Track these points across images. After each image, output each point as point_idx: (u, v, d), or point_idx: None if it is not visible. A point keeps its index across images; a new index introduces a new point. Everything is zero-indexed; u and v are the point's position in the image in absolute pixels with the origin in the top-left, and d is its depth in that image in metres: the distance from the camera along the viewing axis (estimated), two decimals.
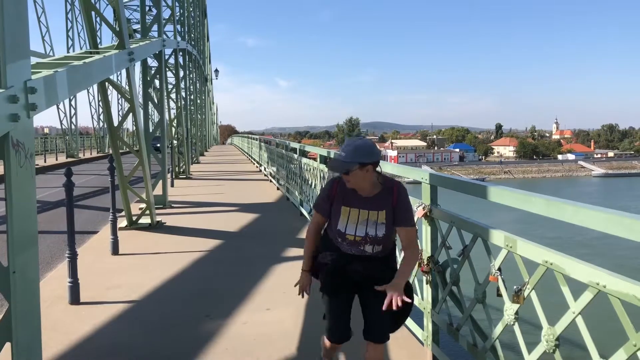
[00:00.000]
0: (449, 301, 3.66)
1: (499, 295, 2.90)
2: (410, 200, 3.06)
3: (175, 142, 18.69)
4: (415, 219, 4.02)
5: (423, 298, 3.99)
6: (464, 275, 3.42)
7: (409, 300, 2.78)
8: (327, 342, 3.19)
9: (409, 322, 4.42)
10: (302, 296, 3.22)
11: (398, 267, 3.05)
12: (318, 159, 8.91)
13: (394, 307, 2.68)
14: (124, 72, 9.11)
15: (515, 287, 2.70)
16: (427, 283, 3.90)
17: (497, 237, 2.93)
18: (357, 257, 2.98)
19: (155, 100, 13.68)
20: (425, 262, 3.85)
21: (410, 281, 4.25)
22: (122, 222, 9.25)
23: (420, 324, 4.10)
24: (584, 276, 2.25)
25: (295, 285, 3.23)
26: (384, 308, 2.70)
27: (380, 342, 3.03)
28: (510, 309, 2.76)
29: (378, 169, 2.92)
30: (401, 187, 2.98)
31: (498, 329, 2.91)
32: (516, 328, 2.78)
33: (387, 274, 2.90)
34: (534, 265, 2.59)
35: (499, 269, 2.91)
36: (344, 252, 3.01)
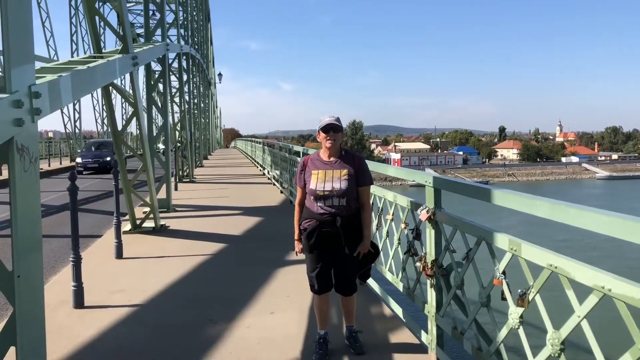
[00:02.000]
0: (453, 305, 3.65)
1: (504, 298, 2.89)
2: (367, 165, 4.02)
3: (179, 145, 18.71)
4: (419, 222, 4.06)
5: (427, 302, 3.98)
6: (468, 278, 3.41)
7: (372, 250, 3.96)
8: (315, 303, 4.06)
9: (413, 325, 4.42)
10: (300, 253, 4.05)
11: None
12: None
13: (360, 256, 3.90)
14: (127, 76, 9.14)
15: (519, 290, 2.69)
16: (431, 287, 3.90)
17: (502, 240, 2.92)
18: (328, 222, 3.79)
19: (159, 104, 13.70)
20: (430, 266, 3.85)
21: (414, 285, 4.28)
22: (126, 226, 9.26)
23: (425, 328, 4.09)
24: (588, 280, 2.24)
25: (297, 253, 4.08)
26: (354, 254, 3.85)
27: (349, 294, 3.98)
28: (514, 312, 2.75)
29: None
30: (361, 157, 4.01)
31: (503, 332, 2.90)
32: (521, 332, 2.76)
33: (350, 234, 3.80)
34: (539, 269, 2.58)
35: (504, 273, 2.90)
36: (317, 215, 3.83)
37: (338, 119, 3.90)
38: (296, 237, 4.04)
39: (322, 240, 3.83)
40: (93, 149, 26.02)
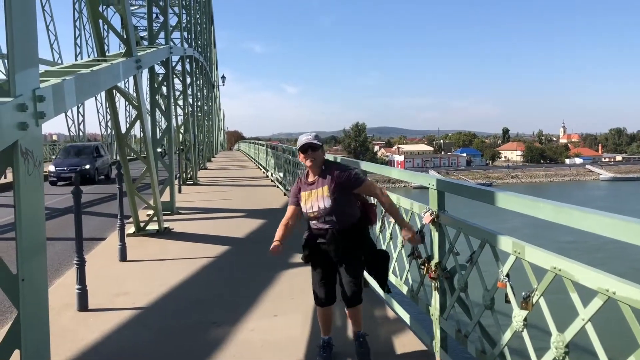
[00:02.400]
0: (457, 307, 3.64)
1: (508, 301, 2.88)
2: (348, 167, 3.95)
3: (181, 148, 18.75)
4: (423, 224, 4.03)
5: (431, 304, 3.97)
6: (472, 281, 3.40)
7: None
8: (318, 312, 4.01)
9: (417, 328, 4.41)
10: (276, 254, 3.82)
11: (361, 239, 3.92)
12: None
13: (411, 243, 3.98)
14: (131, 79, 9.17)
15: (523, 293, 2.68)
16: (435, 289, 3.89)
17: (505, 243, 2.91)
18: (321, 235, 3.79)
19: (163, 107, 13.77)
20: (433, 269, 3.84)
21: (418, 287, 4.27)
22: (130, 229, 9.28)
23: (429, 331, 4.08)
24: (593, 282, 2.23)
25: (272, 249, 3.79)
26: (407, 239, 3.94)
27: (352, 306, 3.89)
28: (518, 315, 2.74)
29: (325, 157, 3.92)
30: (338, 165, 3.92)
31: (507, 335, 2.89)
32: (525, 335, 2.75)
33: (347, 245, 3.75)
34: (543, 272, 2.57)
35: (507, 275, 2.89)
36: (314, 231, 3.84)
37: (316, 137, 3.89)
38: (276, 237, 3.87)
39: (322, 252, 3.83)
40: (70, 155, 22.01)
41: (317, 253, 3.85)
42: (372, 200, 4.24)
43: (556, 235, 30.55)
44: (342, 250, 3.77)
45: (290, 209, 3.99)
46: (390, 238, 4.96)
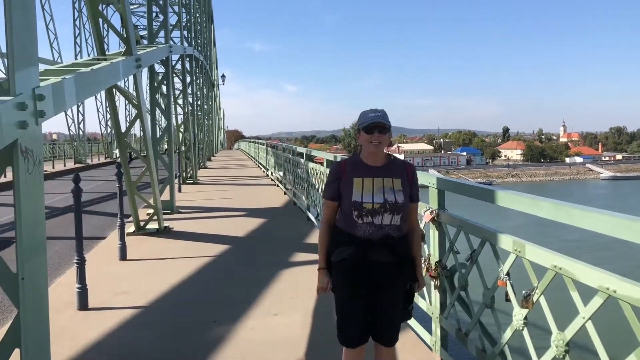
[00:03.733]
0: (457, 306, 3.64)
1: (508, 300, 2.89)
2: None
3: (182, 147, 18.75)
4: (423, 223, 4.03)
5: (431, 303, 3.97)
6: (472, 280, 3.40)
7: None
8: (346, 353, 3.02)
9: (418, 327, 4.40)
10: (323, 293, 3.06)
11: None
12: (325, 164, 8.91)
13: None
14: (131, 78, 9.16)
15: (524, 291, 2.68)
16: (435, 288, 3.89)
17: (506, 241, 2.91)
18: (374, 243, 2.86)
19: (163, 106, 13.74)
20: (434, 267, 3.84)
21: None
22: (130, 228, 9.28)
23: (429, 329, 4.08)
24: (593, 281, 2.23)
25: (318, 291, 3.05)
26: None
27: (392, 345, 3.02)
28: (519, 314, 2.74)
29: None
30: (412, 166, 3.09)
31: (507, 334, 2.89)
32: (525, 333, 2.76)
33: (405, 260, 2.95)
34: (543, 270, 2.57)
35: (508, 274, 2.89)
36: (361, 239, 2.87)
37: (384, 115, 2.95)
38: (322, 264, 3.04)
39: (367, 274, 2.90)
40: None
41: (361, 274, 2.91)
42: None
43: (562, 233, 30.58)
44: (403, 266, 2.96)
45: (330, 206, 3.06)
46: None
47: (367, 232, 2.87)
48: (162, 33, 12.59)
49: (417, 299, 4.32)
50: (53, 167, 26.99)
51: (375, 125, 2.88)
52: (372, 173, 2.92)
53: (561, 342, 2.42)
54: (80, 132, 34.00)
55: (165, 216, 10.39)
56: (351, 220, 2.89)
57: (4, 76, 3.14)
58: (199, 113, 27.42)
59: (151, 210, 9.64)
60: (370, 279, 2.90)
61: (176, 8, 17.96)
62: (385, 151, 3.00)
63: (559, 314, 2.58)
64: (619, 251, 27.43)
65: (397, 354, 4.08)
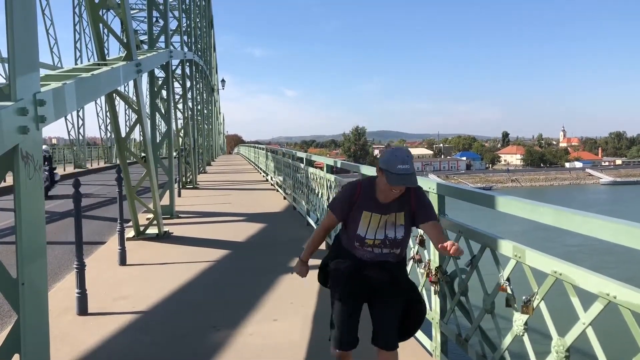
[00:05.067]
0: (457, 311, 3.64)
1: (508, 305, 2.88)
2: (427, 196, 3.19)
3: (182, 152, 18.77)
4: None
5: (431, 308, 3.97)
6: (472, 285, 3.40)
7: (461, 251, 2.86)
8: (336, 353, 3.17)
9: (417, 332, 4.39)
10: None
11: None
12: (324, 169, 8.91)
13: (451, 252, 2.76)
14: (131, 82, 9.18)
15: (524, 297, 2.68)
16: (435, 293, 3.89)
17: (506, 247, 2.91)
18: (370, 264, 3.07)
19: (163, 111, 13.76)
20: (434, 272, 3.84)
21: (418, 288, 4.25)
22: (130, 233, 9.27)
23: (429, 335, 4.08)
24: (593, 287, 2.23)
25: (292, 273, 3.38)
26: (447, 248, 2.75)
27: (391, 349, 3.09)
28: (519, 319, 2.74)
29: None
30: (419, 190, 3.10)
31: (507, 339, 2.89)
32: (525, 339, 2.75)
33: (401, 279, 3.13)
34: (543, 276, 2.57)
35: (508, 279, 2.90)
36: (359, 258, 3.08)
37: (412, 164, 2.89)
38: (305, 258, 3.37)
39: (362, 287, 3.11)
40: None
41: (356, 287, 3.12)
42: None
43: (565, 238, 30.59)
44: (399, 282, 3.14)
45: (332, 219, 3.22)
46: None
47: (365, 256, 3.08)
48: (162, 38, 12.60)
49: None
50: None
51: (402, 181, 2.85)
52: (380, 210, 3.02)
53: (561, 347, 2.42)
54: (80, 137, 34.00)
55: (165, 221, 10.38)
56: (352, 243, 3.10)
57: (4, 81, 3.14)
58: (199, 118, 27.46)
59: (151, 215, 9.64)
60: (364, 290, 3.10)
61: (176, 13, 18.02)
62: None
63: (559, 319, 2.58)
64: (622, 256, 27.36)
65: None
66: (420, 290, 4.24)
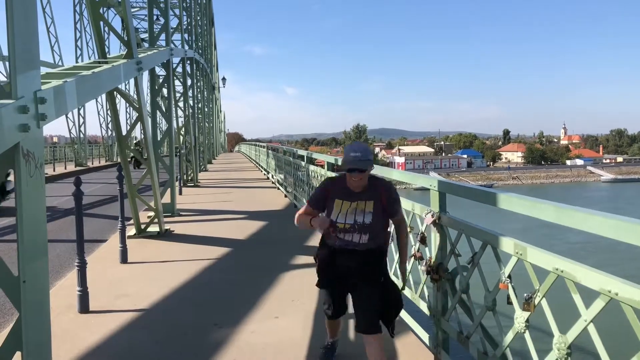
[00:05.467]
0: (458, 309, 3.64)
1: (510, 303, 2.88)
2: (395, 191, 3.57)
3: (183, 150, 18.77)
4: (424, 226, 4.05)
5: (432, 306, 3.97)
6: (473, 282, 3.40)
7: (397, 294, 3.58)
8: (327, 321, 3.89)
9: (419, 329, 4.40)
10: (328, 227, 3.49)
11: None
12: (325, 166, 8.92)
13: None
14: (132, 80, 9.17)
15: (525, 294, 2.68)
16: (436, 291, 3.89)
17: (507, 244, 2.91)
18: (340, 251, 3.47)
19: (163, 109, 13.76)
20: (435, 270, 3.84)
21: (419, 289, 4.26)
22: (131, 231, 9.28)
23: (430, 332, 4.08)
24: (595, 284, 2.23)
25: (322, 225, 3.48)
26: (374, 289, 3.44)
27: (371, 333, 3.36)
28: (520, 316, 2.74)
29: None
30: (388, 185, 3.55)
31: (509, 337, 2.89)
32: (527, 336, 2.75)
33: (368, 268, 3.44)
34: (545, 273, 2.57)
35: (509, 277, 2.89)
36: (331, 246, 3.52)
37: (365, 152, 3.34)
38: (312, 221, 3.54)
39: (338, 274, 3.53)
40: None
41: (332, 271, 3.55)
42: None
43: (568, 235, 30.56)
44: (367, 271, 3.45)
45: (307, 210, 3.63)
46: (392, 239, 4.95)
47: (336, 243, 3.49)
48: (163, 36, 12.60)
49: (419, 302, 4.32)
50: (54, 170, 27.00)
51: (356, 169, 3.30)
52: (350, 198, 3.44)
53: (563, 345, 2.42)
54: (81, 135, 34.01)
55: (166, 219, 10.39)
56: (328, 234, 3.51)
57: (5, 79, 3.15)
58: (200, 116, 27.45)
59: (152, 213, 9.64)
60: (338, 276, 3.54)
61: (177, 11, 18.00)
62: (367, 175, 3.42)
63: (561, 316, 2.58)
64: (626, 253, 27.32)
65: (398, 357, 4.09)
66: (421, 287, 4.27)
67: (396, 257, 4.81)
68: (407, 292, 4.57)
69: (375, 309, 3.41)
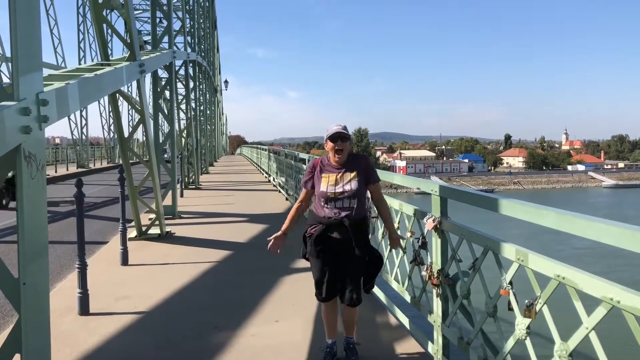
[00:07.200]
0: (459, 314, 3.62)
1: (510, 309, 2.87)
2: (372, 164, 4.08)
3: (185, 152, 18.77)
4: (425, 231, 4.04)
5: (433, 311, 3.96)
6: (474, 288, 3.39)
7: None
8: (323, 311, 4.08)
9: (419, 335, 4.39)
10: (275, 251, 4.03)
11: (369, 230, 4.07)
12: None
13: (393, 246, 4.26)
14: (134, 83, 9.18)
15: (526, 301, 2.67)
16: (437, 296, 3.88)
17: (508, 250, 2.90)
18: (335, 225, 3.78)
19: (166, 111, 13.76)
20: (436, 275, 3.83)
21: (420, 294, 4.26)
22: (132, 233, 9.27)
23: (431, 338, 4.07)
24: (597, 291, 2.22)
25: (269, 242, 4.02)
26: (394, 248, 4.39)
27: (353, 305, 3.86)
28: (521, 323, 2.73)
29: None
30: (366, 157, 4.14)
31: (509, 343, 2.88)
32: (528, 343, 2.74)
33: (359, 237, 3.78)
34: (546, 279, 2.56)
35: (510, 283, 2.88)
36: (323, 217, 3.83)
37: (345, 127, 3.92)
38: (284, 229, 4.07)
39: (329, 245, 3.80)
40: None
41: (324, 245, 3.82)
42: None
43: (573, 241, 30.44)
44: (358, 239, 3.77)
45: (303, 192, 4.09)
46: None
47: (328, 215, 3.82)
48: (165, 38, 12.63)
49: (419, 307, 4.31)
50: (56, 171, 27.04)
51: (338, 135, 3.84)
52: (335, 171, 3.88)
53: (564, 352, 2.41)
54: (83, 137, 34.08)
55: (167, 221, 10.38)
56: (319, 205, 3.90)
57: (8, 81, 3.15)
58: (202, 118, 27.48)
59: (153, 215, 9.64)
60: (332, 250, 3.81)
61: (180, 14, 18.06)
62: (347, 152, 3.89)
63: (562, 323, 2.57)
64: (633, 259, 27.19)
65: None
66: (421, 292, 4.26)
67: (398, 260, 4.80)
68: (407, 297, 4.57)
69: (359, 281, 3.87)
